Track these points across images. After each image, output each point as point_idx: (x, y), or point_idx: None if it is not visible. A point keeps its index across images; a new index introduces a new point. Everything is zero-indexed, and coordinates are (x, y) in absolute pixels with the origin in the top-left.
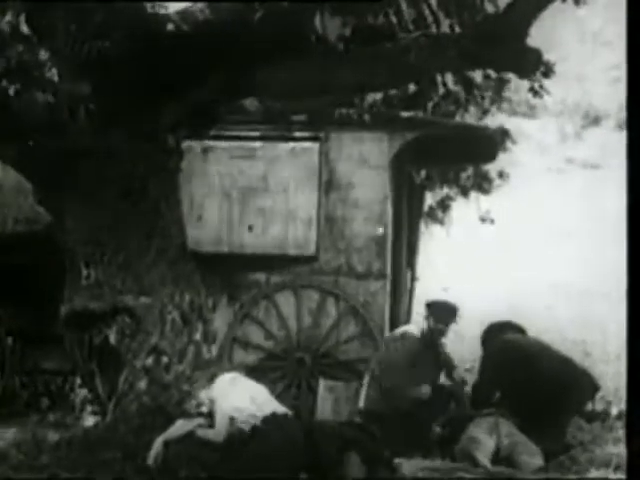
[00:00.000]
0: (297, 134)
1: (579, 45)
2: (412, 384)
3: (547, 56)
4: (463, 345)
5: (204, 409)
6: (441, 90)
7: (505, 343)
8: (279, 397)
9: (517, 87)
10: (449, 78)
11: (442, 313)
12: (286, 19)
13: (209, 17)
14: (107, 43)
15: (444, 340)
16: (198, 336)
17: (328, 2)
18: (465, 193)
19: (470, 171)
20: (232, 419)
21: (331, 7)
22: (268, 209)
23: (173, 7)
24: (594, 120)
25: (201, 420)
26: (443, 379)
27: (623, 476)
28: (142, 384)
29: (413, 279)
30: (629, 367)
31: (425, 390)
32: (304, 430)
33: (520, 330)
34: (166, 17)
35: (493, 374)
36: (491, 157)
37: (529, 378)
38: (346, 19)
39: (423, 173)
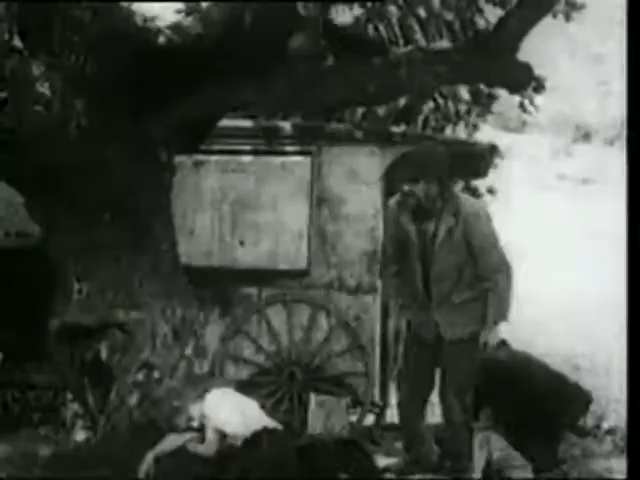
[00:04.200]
0: (288, 148)
1: (570, 60)
2: None
3: (538, 71)
4: None
5: (195, 424)
6: (430, 105)
7: (497, 357)
8: (270, 412)
9: (508, 102)
10: (438, 93)
11: None
12: (278, 30)
13: (201, 31)
14: (99, 57)
15: None
16: (189, 351)
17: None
18: None
19: (460, 186)
20: (223, 434)
21: None
22: (259, 223)
23: (164, 21)
24: (585, 135)
25: (192, 435)
26: None
27: None
28: (133, 399)
29: None
30: (629, 376)
31: None
32: (297, 445)
33: (503, 343)
34: (158, 31)
35: (484, 388)
36: (482, 173)
37: (522, 393)
38: None
39: None
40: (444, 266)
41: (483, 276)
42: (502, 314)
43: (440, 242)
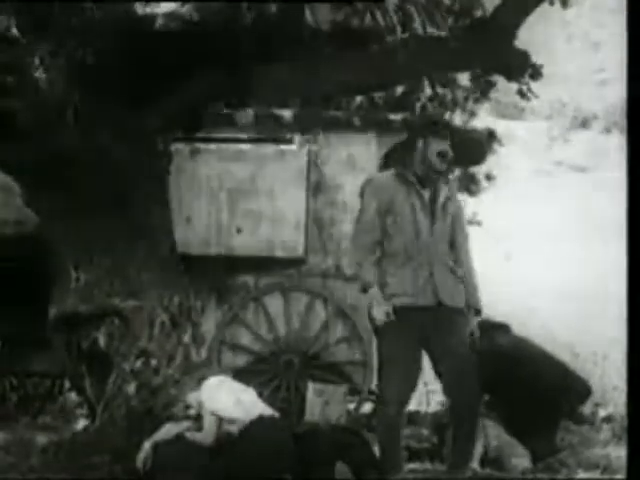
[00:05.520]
0: (285, 136)
1: (567, 47)
2: None
3: (535, 58)
4: None
5: (192, 412)
6: (428, 92)
7: (498, 345)
8: (267, 400)
9: (505, 89)
10: (435, 80)
11: None
12: (275, 18)
13: (197, 18)
14: (95, 45)
15: None
16: (187, 339)
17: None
18: None
19: (457, 173)
20: (220, 422)
21: None
22: (256, 211)
23: (161, 8)
24: (582, 122)
25: (189, 423)
26: None
27: (608, 477)
28: (131, 387)
29: None
30: (629, 363)
31: None
32: (295, 433)
33: (505, 329)
34: (154, 18)
35: (484, 376)
36: (479, 159)
37: (521, 382)
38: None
39: None
40: (443, 227)
41: (457, 249)
42: (474, 289)
43: (440, 205)
